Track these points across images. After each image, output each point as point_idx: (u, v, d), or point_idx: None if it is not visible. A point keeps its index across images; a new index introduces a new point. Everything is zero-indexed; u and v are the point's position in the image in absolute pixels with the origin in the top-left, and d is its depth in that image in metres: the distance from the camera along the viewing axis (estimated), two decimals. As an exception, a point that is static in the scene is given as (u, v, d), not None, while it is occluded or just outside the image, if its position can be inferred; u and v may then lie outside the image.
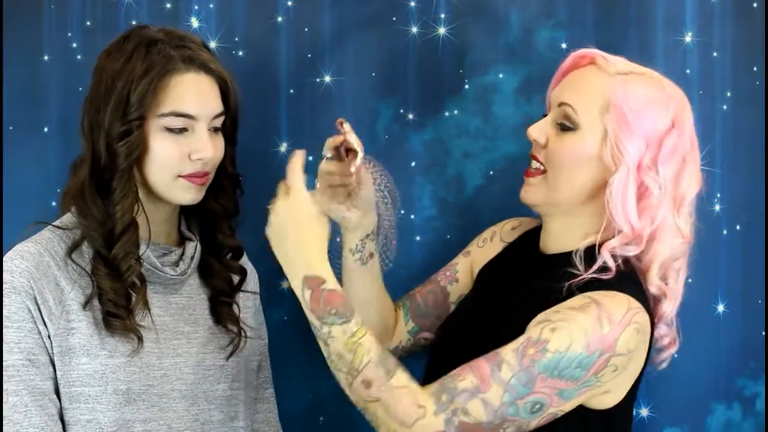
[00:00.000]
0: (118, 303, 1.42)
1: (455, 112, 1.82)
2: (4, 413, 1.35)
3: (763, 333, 1.89)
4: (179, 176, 1.44)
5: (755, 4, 1.85)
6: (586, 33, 1.80)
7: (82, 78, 1.78)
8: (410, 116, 1.82)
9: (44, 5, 1.79)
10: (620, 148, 1.41)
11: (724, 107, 1.84)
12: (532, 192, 1.49)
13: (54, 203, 1.80)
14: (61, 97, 1.80)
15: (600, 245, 1.43)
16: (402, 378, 1.33)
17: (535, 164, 1.49)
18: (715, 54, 1.83)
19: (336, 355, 1.33)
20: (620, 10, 1.81)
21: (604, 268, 1.42)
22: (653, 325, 1.44)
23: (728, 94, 1.84)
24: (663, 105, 1.45)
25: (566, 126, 1.46)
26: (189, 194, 1.45)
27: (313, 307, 1.33)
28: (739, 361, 1.88)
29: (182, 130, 1.42)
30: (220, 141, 1.47)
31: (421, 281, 1.80)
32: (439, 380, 1.33)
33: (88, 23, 1.80)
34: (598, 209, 1.45)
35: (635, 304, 1.36)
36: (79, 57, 1.79)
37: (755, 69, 1.85)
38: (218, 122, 1.46)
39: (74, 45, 1.79)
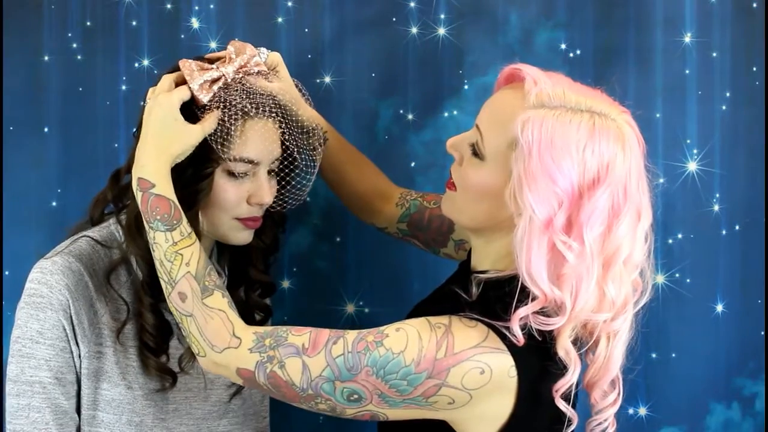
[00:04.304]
0: (158, 339, 1.41)
1: (455, 112, 1.82)
2: (24, 428, 1.36)
3: (763, 333, 1.89)
4: (235, 218, 1.41)
5: (755, 4, 1.85)
6: (586, 34, 1.81)
7: (82, 78, 1.80)
8: (410, 116, 1.82)
9: (44, 5, 1.79)
10: (523, 197, 1.22)
11: (724, 107, 1.84)
12: (444, 205, 1.38)
13: (54, 203, 1.81)
14: (61, 97, 1.80)
15: (512, 285, 1.25)
16: (218, 300, 1.29)
17: (451, 178, 1.36)
18: (714, 54, 1.83)
19: (159, 261, 1.31)
20: (620, 11, 1.81)
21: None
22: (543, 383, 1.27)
23: (727, 94, 1.84)
24: (588, 152, 1.21)
25: (476, 152, 1.30)
26: (242, 235, 1.43)
27: (142, 209, 1.31)
28: (738, 360, 1.88)
29: (244, 175, 1.39)
30: (274, 183, 1.44)
31: (419, 281, 1.80)
32: (276, 327, 1.29)
33: (88, 23, 1.80)
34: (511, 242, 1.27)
35: (491, 344, 1.22)
36: (79, 57, 1.80)
37: (755, 69, 1.85)
38: (275, 165, 1.43)
39: (74, 45, 1.80)
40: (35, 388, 1.36)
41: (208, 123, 1.35)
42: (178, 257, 1.29)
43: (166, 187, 1.32)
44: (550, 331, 1.25)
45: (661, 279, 1.83)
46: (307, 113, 1.52)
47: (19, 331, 1.36)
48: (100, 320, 1.39)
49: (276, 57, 1.50)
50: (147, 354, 1.41)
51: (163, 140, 1.33)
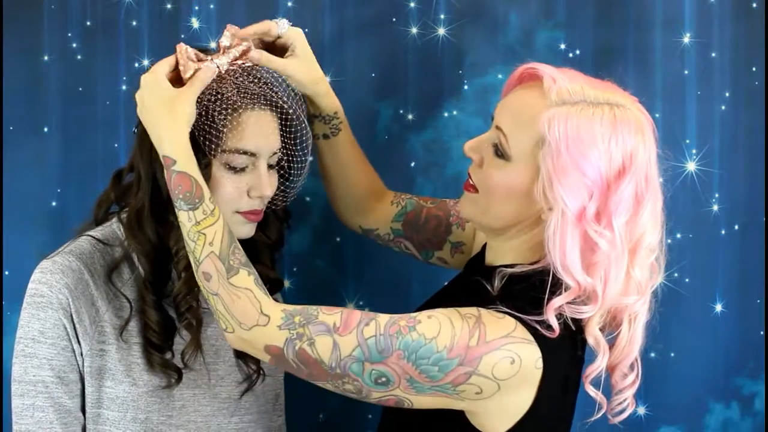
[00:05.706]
0: (162, 336, 1.41)
1: (454, 112, 1.82)
2: (29, 428, 1.36)
3: (762, 332, 1.89)
4: (236, 212, 1.40)
5: (755, 4, 1.85)
6: (585, 33, 1.81)
7: (82, 78, 1.80)
8: (410, 116, 1.82)
9: (44, 5, 1.79)
10: (554, 192, 1.25)
11: (723, 107, 1.84)
12: (464, 207, 1.39)
13: (54, 203, 1.81)
14: (61, 98, 1.80)
15: (542, 276, 1.29)
16: (244, 279, 1.28)
17: (470, 180, 1.37)
18: (713, 54, 1.83)
19: (184, 240, 1.30)
20: (619, 11, 1.81)
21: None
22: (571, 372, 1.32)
23: (727, 94, 1.84)
24: (612, 144, 1.26)
25: (499, 153, 1.31)
26: (244, 229, 1.42)
27: (169, 188, 1.30)
28: (738, 360, 1.89)
29: (243, 167, 1.38)
30: (275, 177, 1.43)
31: (419, 281, 1.81)
32: (306, 306, 1.29)
33: (88, 23, 1.80)
34: (538, 238, 1.31)
35: (520, 335, 1.25)
36: (79, 57, 1.80)
37: (754, 69, 1.85)
38: (275, 159, 1.43)
39: (74, 45, 1.80)
40: (38, 388, 1.36)
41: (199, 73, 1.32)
42: (201, 237, 1.28)
43: (186, 163, 1.29)
44: (578, 320, 1.29)
45: (660, 279, 1.83)
46: (326, 100, 1.53)
47: (22, 331, 1.37)
48: (102, 318, 1.40)
49: (294, 33, 1.49)
50: (151, 351, 1.41)
51: (166, 108, 1.30)
